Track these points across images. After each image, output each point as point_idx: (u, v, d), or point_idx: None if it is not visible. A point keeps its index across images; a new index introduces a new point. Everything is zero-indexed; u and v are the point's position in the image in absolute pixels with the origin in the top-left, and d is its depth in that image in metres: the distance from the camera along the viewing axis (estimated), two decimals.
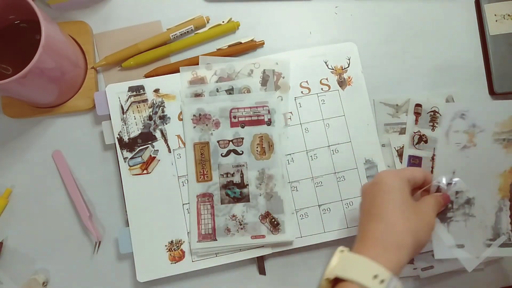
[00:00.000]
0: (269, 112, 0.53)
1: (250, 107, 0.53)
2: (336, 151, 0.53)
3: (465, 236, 0.46)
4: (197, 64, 0.54)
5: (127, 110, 0.52)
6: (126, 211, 0.51)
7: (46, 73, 0.46)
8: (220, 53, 0.55)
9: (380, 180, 0.42)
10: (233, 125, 0.52)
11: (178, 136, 0.52)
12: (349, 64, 0.55)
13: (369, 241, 0.40)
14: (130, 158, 0.52)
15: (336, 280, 0.38)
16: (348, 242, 0.52)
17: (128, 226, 0.51)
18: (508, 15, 0.57)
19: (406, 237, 0.39)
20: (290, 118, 0.53)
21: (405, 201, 0.41)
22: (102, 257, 0.52)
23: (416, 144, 0.54)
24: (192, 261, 0.50)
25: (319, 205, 0.52)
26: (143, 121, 0.52)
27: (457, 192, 0.46)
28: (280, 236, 0.50)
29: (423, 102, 0.55)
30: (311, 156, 0.53)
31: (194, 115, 0.52)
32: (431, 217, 0.43)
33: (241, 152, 0.52)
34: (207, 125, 0.52)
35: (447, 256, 0.46)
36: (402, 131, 0.55)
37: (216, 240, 0.50)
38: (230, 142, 0.52)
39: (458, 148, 0.46)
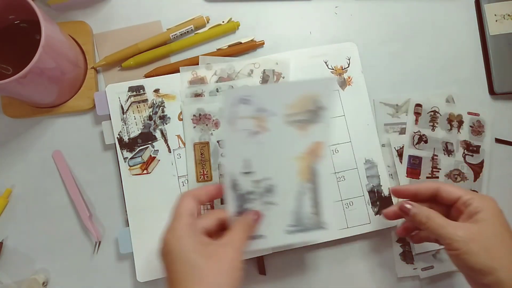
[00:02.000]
0: None
1: None
2: (336, 151, 0.53)
3: (265, 226, 0.43)
4: (197, 64, 0.54)
5: (127, 110, 0.52)
6: (126, 211, 0.51)
7: (46, 73, 0.46)
8: (220, 53, 0.55)
9: (163, 250, 0.39)
10: None
11: (178, 136, 0.52)
12: (349, 64, 0.55)
13: None
14: (130, 158, 0.52)
15: None
16: (348, 242, 0.53)
17: (128, 226, 0.51)
18: (508, 15, 0.57)
19: None
20: None
21: (190, 260, 0.37)
22: (102, 257, 0.52)
23: (416, 144, 0.54)
24: None
25: None
26: (143, 121, 0.52)
27: (256, 181, 0.43)
28: None
29: (423, 102, 0.55)
30: None
31: (194, 115, 0.52)
32: (231, 259, 0.38)
33: None
34: (207, 125, 0.52)
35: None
36: (402, 131, 0.55)
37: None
38: None
39: (246, 134, 0.43)
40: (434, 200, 0.44)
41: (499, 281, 0.38)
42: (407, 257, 0.53)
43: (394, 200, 0.52)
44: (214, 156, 0.52)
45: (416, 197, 0.45)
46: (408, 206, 0.43)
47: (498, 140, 0.56)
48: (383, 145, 0.54)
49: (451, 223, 0.41)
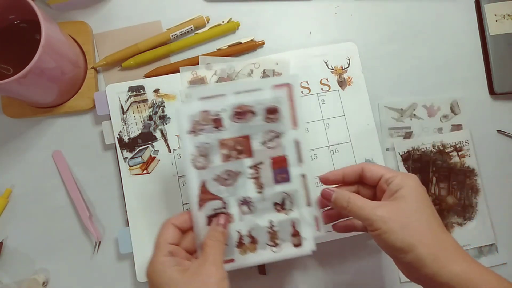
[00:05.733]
0: None
1: None
2: (336, 151, 0.53)
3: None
4: (197, 64, 0.54)
5: (127, 110, 0.52)
6: (126, 211, 0.51)
7: (46, 73, 0.46)
8: (220, 53, 0.55)
9: (148, 282, 0.39)
10: None
11: (178, 136, 0.52)
12: (349, 64, 0.55)
13: None
14: (130, 158, 0.52)
15: None
16: (348, 242, 0.53)
17: (128, 226, 0.51)
18: (508, 15, 0.57)
19: None
20: None
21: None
22: (102, 257, 0.52)
23: None
24: None
25: None
26: (143, 121, 0.52)
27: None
28: None
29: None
30: (311, 156, 0.53)
31: None
32: (213, 275, 0.37)
33: None
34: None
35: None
36: (407, 135, 0.55)
37: None
38: None
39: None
40: (361, 182, 0.44)
41: (419, 258, 0.36)
42: None
43: None
44: None
45: (344, 181, 0.44)
46: (328, 191, 0.42)
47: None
48: (387, 149, 0.54)
49: (371, 203, 0.39)
